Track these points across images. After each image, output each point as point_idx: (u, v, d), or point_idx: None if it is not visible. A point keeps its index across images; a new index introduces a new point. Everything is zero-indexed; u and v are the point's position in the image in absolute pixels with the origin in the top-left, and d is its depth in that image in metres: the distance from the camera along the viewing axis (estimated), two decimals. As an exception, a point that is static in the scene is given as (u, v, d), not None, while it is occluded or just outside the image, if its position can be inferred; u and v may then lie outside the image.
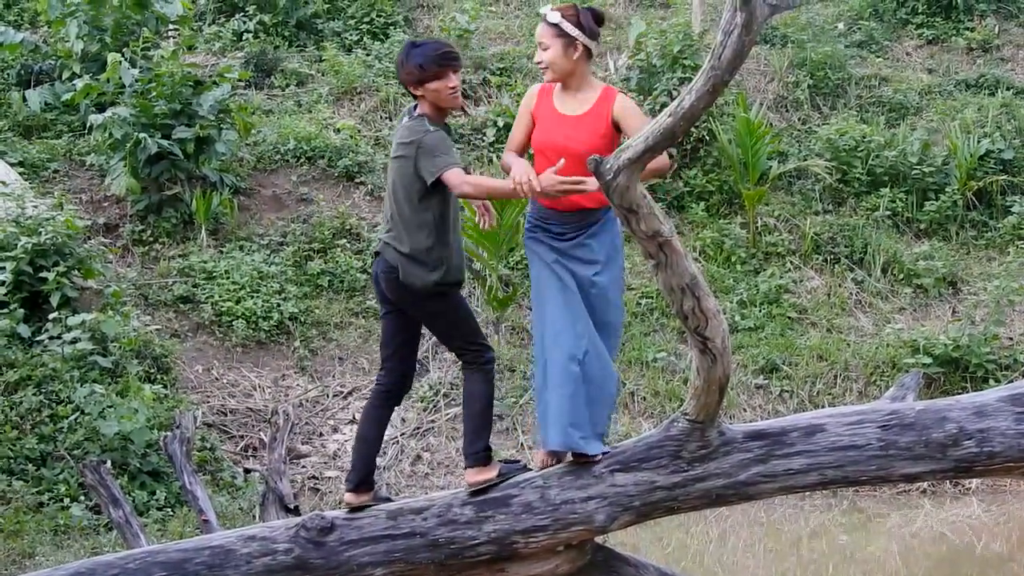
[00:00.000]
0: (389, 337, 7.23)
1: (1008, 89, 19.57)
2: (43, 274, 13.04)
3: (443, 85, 6.95)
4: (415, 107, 7.10)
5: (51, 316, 12.83)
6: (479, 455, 6.91)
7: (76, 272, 13.40)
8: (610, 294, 6.95)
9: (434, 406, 14.23)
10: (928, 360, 14.51)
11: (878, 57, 20.68)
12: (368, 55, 19.24)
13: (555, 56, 6.87)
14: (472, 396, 7.06)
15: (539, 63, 6.99)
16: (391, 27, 20.22)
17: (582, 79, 6.93)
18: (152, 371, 13.33)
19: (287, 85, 18.80)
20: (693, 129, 16.34)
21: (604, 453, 6.79)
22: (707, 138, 17.55)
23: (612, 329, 7.01)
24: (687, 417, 6.55)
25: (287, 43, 19.72)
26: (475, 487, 6.81)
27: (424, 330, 7.36)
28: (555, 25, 6.83)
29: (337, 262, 15.56)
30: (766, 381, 14.95)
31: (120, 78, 15.69)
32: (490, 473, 6.84)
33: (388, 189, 7.09)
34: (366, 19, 20.26)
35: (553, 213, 6.93)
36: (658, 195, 16.60)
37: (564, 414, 6.85)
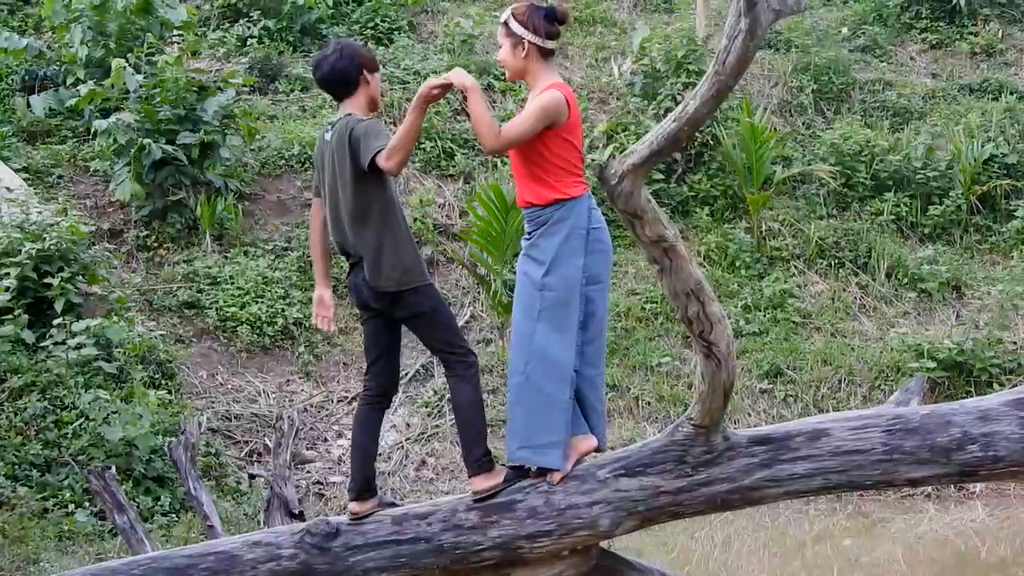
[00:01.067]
0: (373, 342, 7.27)
1: (1012, 93, 19.59)
2: (47, 280, 13.04)
3: (377, 80, 7.16)
4: (334, 122, 7.20)
5: (55, 322, 12.84)
6: (481, 462, 6.91)
7: (80, 278, 13.41)
8: (565, 295, 6.78)
9: (438, 411, 14.22)
10: (932, 364, 14.50)
11: (882, 62, 20.69)
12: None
13: (504, 55, 6.89)
14: (461, 405, 7.07)
15: (498, 62, 7.04)
16: (395, 32, 20.25)
17: (537, 78, 6.88)
18: (157, 377, 13.33)
19: (291, 90, 18.81)
20: (697, 134, 16.37)
21: (557, 469, 6.78)
22: (711, 143, 17.56)
23: (563, 330, 6.79)
24: (692, 422, 6.55)
25: (291, 48, 19.74)
26: (481, 494, 6.81)
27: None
28: (504, 24, 6.87)
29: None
30: (770, 385, 14.96)
31: (124, 84, 15.71)
32: (496, 479, 6.84)
33: (337, 204, 7.12)
34: (370, 24, 20.29)
35: (522, 212, 6.99)
36: (662, 200, 16.62)
37: (511, 428, 6.90)
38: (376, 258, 6.96)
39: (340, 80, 7.24)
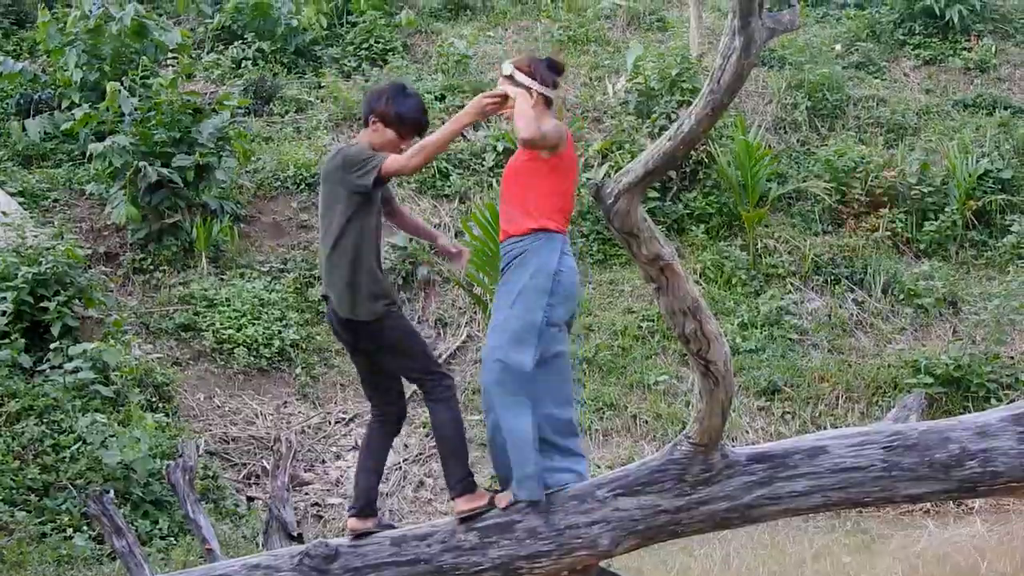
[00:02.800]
0: (366, 375, 7.25)
1: (1006, 108, 19.63)
2: (44, 304, 13.04)
3: (398, 143, 7.10)
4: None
5: (52, 346, 12.83)
6: (463, 483, 6.90)
7: (77, 301, 13.40)
8: (521, 329, 6.78)
9: (436, 431, 14.20)
10: (930, 380, 14.51)
11: (876, 78, 20.72)
12: (367, 81, 19.28)
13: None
14: (442, 428, 7.05)
15: (502, 114, 7.07)
16: (389, 53, 20.28)
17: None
18: (154, 400, 13.32)
19: (286, 112, 18.84)
20: (692, 152, 16.38)
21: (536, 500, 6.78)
22: (706, 161, 17.56)
23: (520, 363, 6.78)
24: (690, 440, 6.54)
25: (286, 70, 19.77)
26: (463, 515, 6.80)
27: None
28: (509, 76, 6.95)
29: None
30: (768, 403, 14.95)
31: (119, 107, 15.72)
32: (479, 501, 6.82)
33: (322, 228, 7.09)
34: (364, 45, 20.32)
35: (501, 248, 7.01)
36: (657, 218, 16.62)
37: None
38: (346, 290, 6.91)
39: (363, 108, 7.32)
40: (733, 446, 6.89)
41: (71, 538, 11.42)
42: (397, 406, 7.28)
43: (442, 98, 18.96)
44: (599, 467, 12.82)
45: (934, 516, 13.86)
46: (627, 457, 13.42)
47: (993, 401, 13.96)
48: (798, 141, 19.17)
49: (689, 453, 6.56)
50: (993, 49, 21.28)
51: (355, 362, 7.31)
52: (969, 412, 9.26)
